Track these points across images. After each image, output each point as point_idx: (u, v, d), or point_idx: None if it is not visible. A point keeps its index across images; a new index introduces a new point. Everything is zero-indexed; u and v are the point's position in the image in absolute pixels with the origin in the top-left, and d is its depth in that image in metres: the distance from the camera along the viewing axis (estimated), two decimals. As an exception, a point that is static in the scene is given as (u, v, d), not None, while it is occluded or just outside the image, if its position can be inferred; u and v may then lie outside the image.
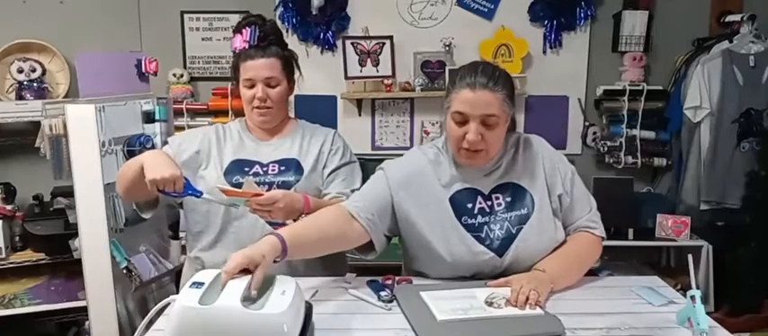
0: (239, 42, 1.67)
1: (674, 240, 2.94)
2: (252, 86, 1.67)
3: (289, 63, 1.72)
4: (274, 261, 1.25)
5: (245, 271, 1.15)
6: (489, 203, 1.49)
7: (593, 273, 1.59)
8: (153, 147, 2.30)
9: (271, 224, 1.54)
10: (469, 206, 1.48)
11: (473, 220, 1.47)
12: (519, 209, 1.49)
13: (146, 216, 1.77)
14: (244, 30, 1.67)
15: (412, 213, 1.50)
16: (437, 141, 1.60)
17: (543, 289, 1.36)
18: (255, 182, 1.59)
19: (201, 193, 1.53)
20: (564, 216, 1.54)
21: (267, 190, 1.58)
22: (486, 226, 1.47)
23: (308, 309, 1.20)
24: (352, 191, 1.70)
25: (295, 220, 1.52)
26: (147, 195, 1.64)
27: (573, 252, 1.52)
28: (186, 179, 1.50)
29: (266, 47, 1.67)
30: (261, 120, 1.70)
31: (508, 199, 1.50)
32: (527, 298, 1.31)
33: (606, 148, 3.15)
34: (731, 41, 2.95)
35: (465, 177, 1.51)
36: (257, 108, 1.67)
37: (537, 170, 1.52)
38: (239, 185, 1.61)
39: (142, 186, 1.49)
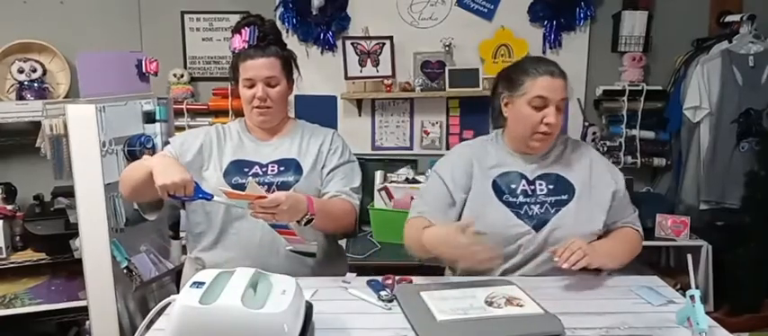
0: (238, 42, 1.68)
1: (674, 240, 2.94)
2: (252, 86, 1.67)
3: (288, 63, 1.72)
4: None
5: None
6: (532, 187, 1.62)
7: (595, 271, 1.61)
8: (153, 147, 2.31)
9: (274, 226, 1.54)
10: (513, 186, 1.62)
11: (514, 199, 1.61)
12: (560, 195, 1.61)
13: (150, 217, 1.77)
14: (243, 30, 1.67)
15: (460, 198, 1.63)
16: (485, 136, 1.76)
17: (594, 257, 1.44)
18: (256, 183, 1.60)
19: (212, 196, 1.52)
20: (613, 212, 1.63)
21: (267, 190, 1.58)
22: (526, 206, 1.60)
23: (309, 309, 1.20)
24: (352, 190, 1.72)
25: (299, 222, 1.52)
26: (152, 196, 1.63)
27: (621, 239, 1.62)
28: (196, 183, 1.50)
29: (265, 46, 1.67)
30: (261, 120, 1.70)
31: (551, 186, 1.62)
32: (573, 254, 1.40)
33: (605, 148, 3.15)
34: (731, 41, 2.95)
35: (513, 162, 1.64)
36: (257, 107, 1.68)
37: (582, 164, 1.64)
38: (238, 186, 1.62)
39: (149, 189, 1.50)
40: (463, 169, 1.65)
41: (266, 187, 1.63)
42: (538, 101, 1.54)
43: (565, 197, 1.60)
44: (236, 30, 1.69)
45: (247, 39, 1.66)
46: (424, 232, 1.51)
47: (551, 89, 1.53)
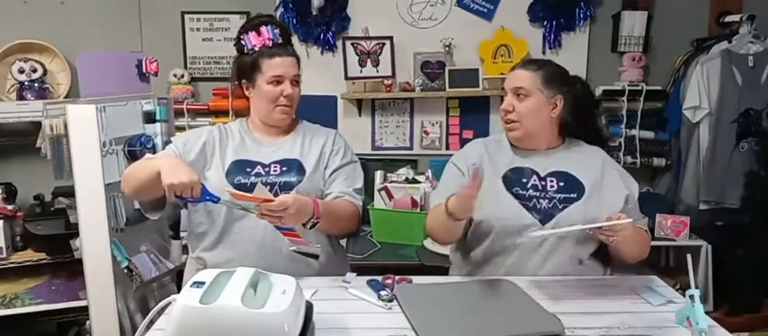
0: (258, 40, 1.68)
1: (674, 240, 2.94)
2: (279, 83, 1.67)
3: (300, 63, 1.74)
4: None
5: None
6: (543, 183, 1.65)
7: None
8: (154, 148, 2.31)
9: (278, 228, 1.54)
10: (524, 180, 1.65)
11: (524, 192, 1.64)
12: (569, 193, 1.63)
13: (152, 217, 1.77)
14: (262, 29, 1.68)
15: None
16: (496, 135, 1.81)
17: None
18: (263, 186, 1.60)
19: (219, 199, 1.52)
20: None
21: (270, 190, 1.59)
22: (535, 199, 1.63)
23: (309, 308, 1.20)
24: (354, 191, 1.72)
25: (304, 225, 1.52)
26: (156, 195, 1.63)
27: (638, 232, 1.62)
28: (202, 184, 1.50)
29: (286, 45, 1.71)
30: (283, 118, 1.71)
31: (561, 184, 1.65)
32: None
33: (604, 149, 3.15)
34: (730, 42, 2.95)
35: (524, 158, 1.69)
36: (282, 106, 1.69)
37: (594, 166, 1.68)
38: (241, 186, 1.62)
39: (154, 188, 1.50)
40: (476, 159, 1.69)
41: (269, 187, 1.63)
42: (504, 93, 1.70)
43: (573, 195, 1.62)
44: (253, 28, 1.70)
45: (271, 36, 1.68)
46: (447, 201, 1.51)
47: (509, 79, 1.68)
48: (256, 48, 1.69)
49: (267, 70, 1.67)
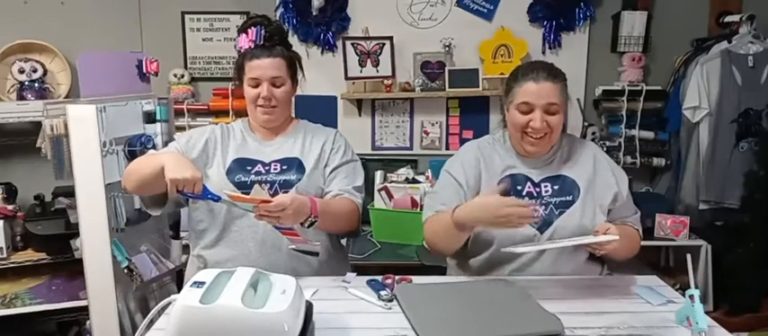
0: (245, 42, 1.69)
1: (673, 240, 2.94)
2: (257, 85, 1.68)
3: (293, 64, 1.73)
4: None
5: None
6: (538, 190, 1.63)
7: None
8: (154, 148, 2.31)
9: (277, 228, 1.55)
10: (519, 187, 1.63)
11: (521, 200, 1.57)
12: (565, 196, 1.62)
13: (154, 213, 1.78)
14: (249, 30, 1.68)
15: (471, 198, 1.60)
16: (495, 133, 1.77)
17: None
18: (258, 182, 1.60)
19: (220, 197, 1.52)
20: (614, 213, 1.65)
21: (269, 189, 1.59)
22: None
23: (309, 308, 1.20)
24: (354, 189, 1.72)
25: (302, 224, 1.53)
26: (157, 191, 1.63)
27: (624, 234, 1.56)
28: (204, 183, 1.50)
29: (271, 47, 1.69)
30: (265, 119, 1.71)
31: (556, 187, 1.63)
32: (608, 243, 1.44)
33: (605, 148, 3.15)
34: (730, 42, 2.95)
35: (518, 165, 1.66)
36: (262, 106, 1.69)
37: (586, 162, 1.66)
38: (241, 184, 1.62)
39: (156, 183, 1.51)
40: (473, 168, 1.66)
41: (269, 185, 1.63)
42: (523, 107, 1.57)
43: (569, 198, 1.61)
44: (243, 29, 1.70)
45: (254, 38, 1.67)
46: (454, 211, 1.49)
47: (535, 94, 1.55)
48: (242, 50, 1.70)
49: (248, 72, 1.68)
